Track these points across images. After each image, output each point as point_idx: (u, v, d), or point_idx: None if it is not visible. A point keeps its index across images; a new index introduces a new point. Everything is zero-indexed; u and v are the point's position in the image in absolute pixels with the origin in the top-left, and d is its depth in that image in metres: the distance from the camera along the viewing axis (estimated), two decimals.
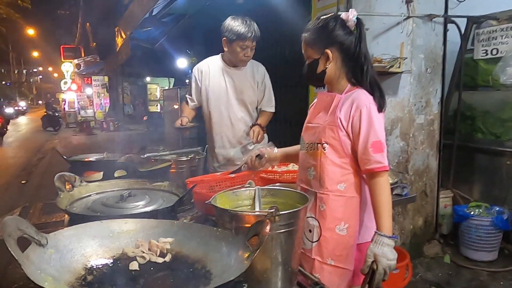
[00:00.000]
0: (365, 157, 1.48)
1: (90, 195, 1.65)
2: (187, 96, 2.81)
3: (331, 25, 1.53)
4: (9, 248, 0.83)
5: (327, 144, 1.54)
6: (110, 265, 1.05)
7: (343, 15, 1.53)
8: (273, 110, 2.76)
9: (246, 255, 0.99)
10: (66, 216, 1.56)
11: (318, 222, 1.54)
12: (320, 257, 1.57)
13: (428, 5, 3.13)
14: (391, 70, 3.14)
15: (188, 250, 1.14)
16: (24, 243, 0.91)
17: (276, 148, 1.92)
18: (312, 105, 1.74)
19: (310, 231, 1.58)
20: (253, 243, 1.03)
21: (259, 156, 1.85)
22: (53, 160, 9.62)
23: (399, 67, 3.16)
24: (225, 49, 2.53)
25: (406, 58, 3.14)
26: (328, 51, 1.53)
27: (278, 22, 5.14)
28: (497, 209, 3.31)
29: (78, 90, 21.49)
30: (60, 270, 0.94)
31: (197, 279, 1.00)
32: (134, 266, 1.05)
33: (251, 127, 2.61)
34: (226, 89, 2.62)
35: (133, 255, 1.10)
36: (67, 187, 1.65)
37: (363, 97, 1.50)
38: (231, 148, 2.69)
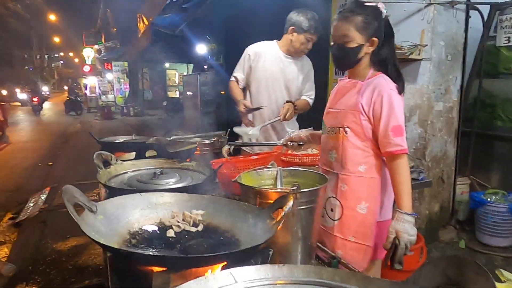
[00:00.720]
0: (385, 140, 1.57)
1: (126, 172, 1.79)
2: (237, 75, 2.85)
3: (379, 14, 1.60)
4: (69, 211, 0.96)
5: (348, 128, 1.63)
6: (150, 231, 1.18)
7: (379, 5, 1.61)
8: (311, 100, 2.83)
9: (272, 223, 1.10)
10: (103, 190, 1.71)
11: (340, 202, 1.66)
12: (342, 234, 1.66)
13: None
14: (411, 57, 3.16)
15: (218, 221, 1.26)
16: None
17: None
18: (334, 91, 1.81)
19: (331, 210, 1.69)
20: (277, 216, 1.15)
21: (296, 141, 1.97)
22: (77, 143, 9.96)
23: (419, 54, 3.18)
24: (291, 38, 2.65)
25: (426, 45, 3.16)
26: (375, 39, 1.60)
27: (298, 7, 5.15)
28: None
29: (99, 75, 21.87)
30: (109, 233, 1.07)
31: (227, 245, 1.12)
32: (170, 233, 1.18)
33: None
34: (278, 75, 2.73)
35: (169, 224, 1.22)
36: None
37: (385, 83, 1.59)
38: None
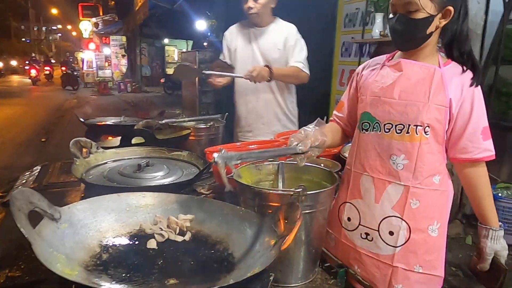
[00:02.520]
0: (472, 145, 1.26)
1: (106, 163, 1.59)
2: (220, 58, 2.63)
3: None
4: (18, 224, 0.76)
5: (429, 127, 1.26)
6: (127, 242, 0.99)
7: None
8: (302, 66, 2.38)
9: (273, 242, 0.91)
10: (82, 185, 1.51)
11: (407, 223, 1.31)
12: (406, 265, 1.32)
13: None
14: None
15: (209, 229, 1.07)
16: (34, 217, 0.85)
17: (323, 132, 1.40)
18: (378, 73, 1.39)
19: (391, 233, 1.34)
20: (280, 227, 0.95)
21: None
22: (73, 119, 9.71)
23: None
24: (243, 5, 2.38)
25: None
26: (451, 8, 1.23)
27: None
28: None
29: (96, 49, 21.42)
30: (74, 247, 0.87)
31: (219, 263, 0.93)
32: (152, 244, 0.99)
33: None
34: (252, 51, 2.46)
35: (151, 232, 1.03)
36: (84, 150, 1.59)
37: (472, 75, 1.27)
38: (252, 116, 2.56)
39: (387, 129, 1.32)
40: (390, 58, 1.41)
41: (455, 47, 1.28)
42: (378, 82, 1.36)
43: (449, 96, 1.24)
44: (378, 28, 3.26)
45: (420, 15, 1.22)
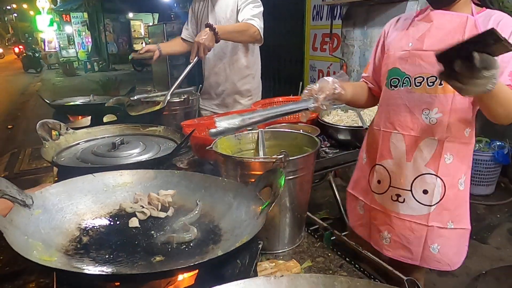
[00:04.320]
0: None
1: (78, 143, 1.51)
2: (183, 31, 2.54)
3: None
4: None
5: None
6: (107, 223, 0.95)
7: None
8: (254, 22, 2.15)
9: (259, 208, 0.89)
10: (55, 169, 1.44)
11: (442, 179, 1.27)
12: (440, 223, 1.29)
13: None
14: None
15: (192, 203, 1.04)
16: None
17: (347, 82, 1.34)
18: (408, 26, 1.33)
19: (425, 192, 1.30)
20: (265, 195, 0.93)
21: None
22: (39, 103, 9.32)
23: None
24: None
25: None
26: None
27: None
28: (498, 143, 3.27)
29: (57, 28, 20.36)
30: (51, 233, 0.83)
31: (205, 236, 0.91)
32: (134, 223, 0.95)
33: None
34: (208, 19, 2.33)
35: (132, 211, 1.00)
36: (54, 133, 1.51)
37: (508, 17, 1.18)
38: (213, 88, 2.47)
39: (418, 82, 1.26)
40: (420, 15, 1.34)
41: None
42: (408, 37, 1.30)
43: None
44: None
45: None
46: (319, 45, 4.25)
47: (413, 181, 1.31)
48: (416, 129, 1.29)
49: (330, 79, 1.24)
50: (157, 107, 2.01)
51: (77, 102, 2.31)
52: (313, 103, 1.19)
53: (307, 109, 1.19)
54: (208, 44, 1.99)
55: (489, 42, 0.82)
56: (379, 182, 1.41)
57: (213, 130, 1.07)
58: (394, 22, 1.43)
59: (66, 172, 1.23)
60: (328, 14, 3.93)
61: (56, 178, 1.46)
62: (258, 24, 2.17)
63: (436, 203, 1.28)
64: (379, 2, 3.09)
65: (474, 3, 1.26)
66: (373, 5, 3.21)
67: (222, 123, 1.05)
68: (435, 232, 1.30)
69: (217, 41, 2.03)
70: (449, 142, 1.25)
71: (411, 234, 1.33)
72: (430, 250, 1.31)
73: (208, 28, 1.99)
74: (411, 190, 1.31)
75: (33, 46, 20.84)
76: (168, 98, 2.07)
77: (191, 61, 2.05)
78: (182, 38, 2.51)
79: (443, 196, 1.27)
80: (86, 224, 0.92)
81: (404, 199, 1.33)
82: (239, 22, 2.19)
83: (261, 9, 2.26)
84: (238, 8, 2.22)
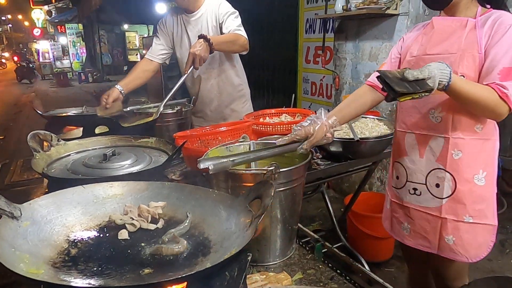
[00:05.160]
0: (486, 78, 1.22)
1: (69, 155, 1.50)
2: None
3: None
4: None
5: (464, 76, 1.25)
6: (97, 235, 0.94)
7: None
8: (240, 31, 2.18)
9: (248, 221, 0.89)
10: (45, 181, 1.43)
11: (451, 174, 1.35)
12: (455, 215, 1.36)
13: None
14: (388, 12, 2.94)
15: (183, 214, 1.04)
16: None
17: (331, 119, 1.37)
18: (424, 32, 1.42)
19: (437, 185, 1.38)
20: (255, 207, 0.94)
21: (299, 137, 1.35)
22: (31, 114, 9.25)
23: (395, 8, 2.96)
24: None
25: None
26: None
27: None
28: None
29: (51, 39, 20.37)
30: (39, 245, 0.82)
31: (195, 247, 0.90)
32: (123, 235, 0.95)
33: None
34: (188, 40, 2.30)
35: (122, 223, 0.99)
36: (45, 144, 1.50)
37: (509, 15, 1.24)
38: (208, 105, 2.47)
39: None
40: None
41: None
42: (417, 43, 1.40)
43: (478, 37, 1.25)
44: (340, 3, 3.25)
45: None
46: (312, 58, 4.30)
47: (427, 175, 1.41)
48: (425, 128, 1.39)
49: (326, 124, 1.33)
50: (149, 119, 2.01)
51: (69, 113, 2.31)
52: (302, 147, 1.30)
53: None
54: (204, 55, 1.99)
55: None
56: (397, 178, 1.53)
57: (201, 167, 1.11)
58: (411, 30, 1.51)
59: (56, 184, 1.23)
60: (321, 27, 3.99)
61: (46, 190, 1.45)
62: (244, 33, 2.21)
63: (448, 197, 1.36)
64: (370, 16, 3.14)
65: (481, 5, 1.32)
66: (364, 19, 3.26)
67: (214, 167, 1.11)
68: (450, 224, 1.37)
69: (211, 52, 2.04)
70: (455, 138, 1.33)
71: (428, 224, 1.42)
72: (445, 241, 1.38)
73: (202, 39, 1.98)
74: (425, 184, 1.41)
75: (27, 56, 20.78)
76: (161, 109, 2.07)
77: (186, 72, 2.05)
78: (148, 59, 2.37)
79: (454, 190, 1.35)
80: (75, 236, 0.91)
81: (420, 192, 1.43)
82: (224, 33, 2.20)
83: (240, 19, 2.28)
84: (221, 21, 2.23)
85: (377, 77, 1.14)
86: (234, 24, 2.19)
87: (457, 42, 1.29)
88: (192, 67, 2.01)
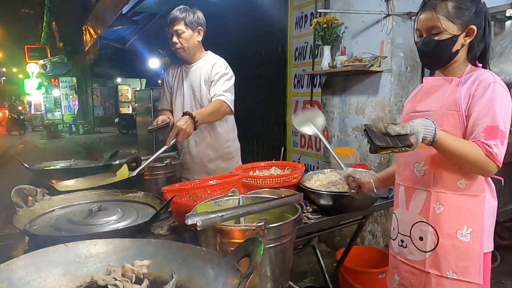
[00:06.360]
0: (472, 136, 1.26)
1: (53, 210, 1.46)
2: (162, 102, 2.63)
3: None
4: None
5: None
6: None
7: None
8: (225, 98, 2.26)
9: (236, 281, 0.86)
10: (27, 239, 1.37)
11: (433, 228, 1.35)
12: (438, 270, 1.34)
13: (408, 3, 3.08)
14: (372, 69, 3.08)
15: (169, 274, 0.99)
16: None
17: (373, 176, 1.65)
18: (416, 92, 1.52)
19: (421, 238, 1.38)
20: (244, 265, 0.91)
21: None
22: (18, 167, 9.13)
23: (379, 66, 3.11)
24: None
25: (386, 57, 3.09)
26: (474, 27, 1.32)
27: (254, 22, 5.02)
28: None
29: (44, 92, 20.67)
30: None
31: None
32: None
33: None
34: (183, 89, 2.44)
35: (104, 284, 0.94)
36: (30, 199, 1.46)
37: (489, 75, 1.30)
38: (193, 158, 2.50)
39: None
40: None
41: (483, 57, 1.39)
42: (412, 102, 1.49)
43: (459, 95, 1.31)
44: (327, 60, 3.40)
45: (444, 36, 1.32)
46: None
47: (411, 227, 1.41)
48: (411, 180, 1.43)
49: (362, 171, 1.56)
50: (120, 178, 1.90)
51: (57, 166, 2.28)
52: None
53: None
54: (189, 131, 2.05)
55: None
56: (393, 229, 1.55)
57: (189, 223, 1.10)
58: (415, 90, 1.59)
59: (37, 241, 1.18)
60: (308, 82, 4.13)
61: (27, 248, 1.39)
62: (229, 98, 2.29)
63: (431, 250, 1.35)
64: (355, 73, 3.28)
65: (472, 64, 1.40)
66: (350, 75, 3.40)
67: (202, 223, 1.10)
68: (433, 279, 1.34)
69: (195, 129, 2.10)
70: (437, 192, 1.34)
71: (414, 278, 1.40)
72: None
73: (188, 116, 2.05)
74: (410, 236, 1.42)
75: (18, 108, 20.89)
76: (142, 167, 2.01)
77: (168, 144, 2.05)
78: (165, 109, 2.56)
79: (436, 244, 1.34)
80: None
81: (406, 244, 1.43)
82: (210, 96, 2.31)
83: (233, 80, 2.38)
84: (212, 79, 2.33)
85: (364, 130, 1.19)
86: (220, 89, 2.28)
87: (439, 100, 1.36)
88: (174, 139, 2.04)
